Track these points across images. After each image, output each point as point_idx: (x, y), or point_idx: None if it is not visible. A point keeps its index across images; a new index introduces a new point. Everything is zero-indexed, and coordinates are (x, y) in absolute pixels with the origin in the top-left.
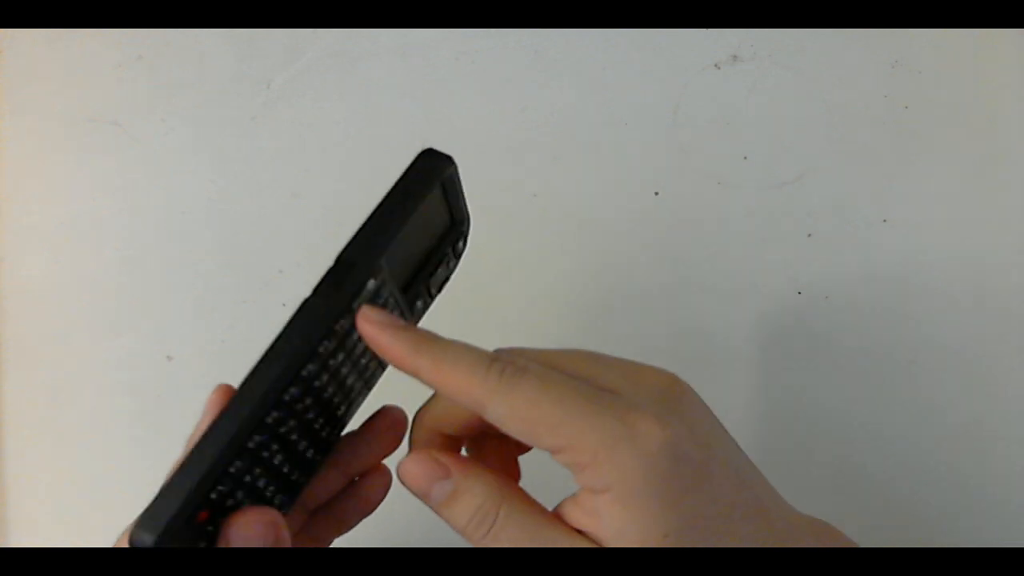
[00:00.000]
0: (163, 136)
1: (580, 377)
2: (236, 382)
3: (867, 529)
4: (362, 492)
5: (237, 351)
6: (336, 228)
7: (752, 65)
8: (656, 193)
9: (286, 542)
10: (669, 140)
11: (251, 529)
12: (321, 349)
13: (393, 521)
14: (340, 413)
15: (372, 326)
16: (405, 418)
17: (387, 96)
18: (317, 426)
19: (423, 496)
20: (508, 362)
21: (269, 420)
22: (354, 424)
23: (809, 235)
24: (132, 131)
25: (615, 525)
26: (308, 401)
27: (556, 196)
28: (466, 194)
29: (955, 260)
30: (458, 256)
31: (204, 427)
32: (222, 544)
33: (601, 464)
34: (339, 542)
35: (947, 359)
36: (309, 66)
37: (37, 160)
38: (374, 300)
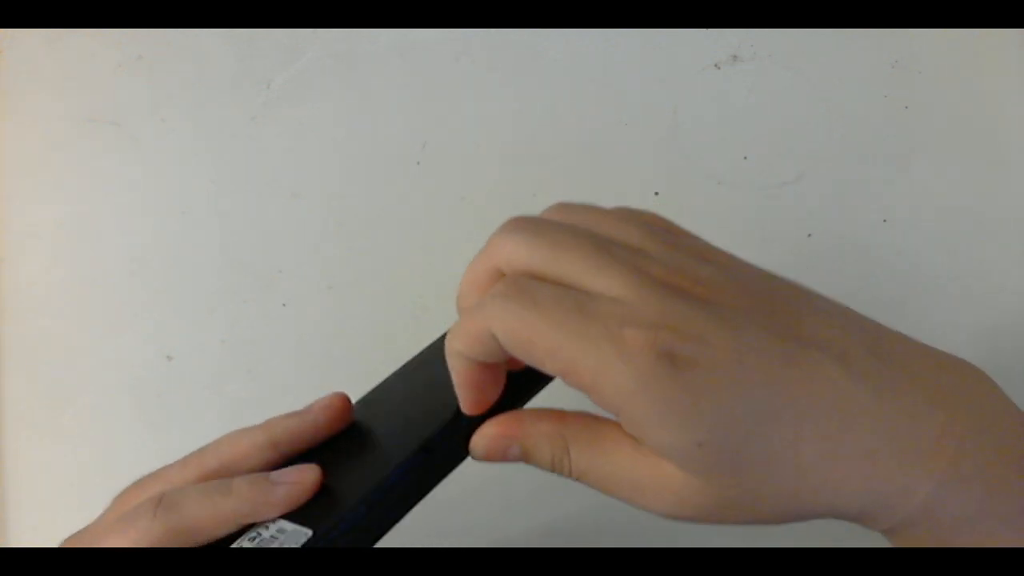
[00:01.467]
0: (163, 136)
1: (582, 275)
2: (236, 382)
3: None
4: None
5: (237, 351)
6: (336, 228)
7: (752, 65)
8: (656, 193)
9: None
10: (669, 140)
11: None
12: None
13: None
14: None
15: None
16: (346, 406)
17: (387, 96)
18: None
19: (505, 462)
20: (512, 282)
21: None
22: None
23: (809, 235)
24: (132, 131)
25: (647, 440)
26: None
27: (556, 196)
28: (467, 194)
29: (955, 260)
30: None
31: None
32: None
33: (602, 389)
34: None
35: None
36: (309, 66)
37: (37, 160)
38: None
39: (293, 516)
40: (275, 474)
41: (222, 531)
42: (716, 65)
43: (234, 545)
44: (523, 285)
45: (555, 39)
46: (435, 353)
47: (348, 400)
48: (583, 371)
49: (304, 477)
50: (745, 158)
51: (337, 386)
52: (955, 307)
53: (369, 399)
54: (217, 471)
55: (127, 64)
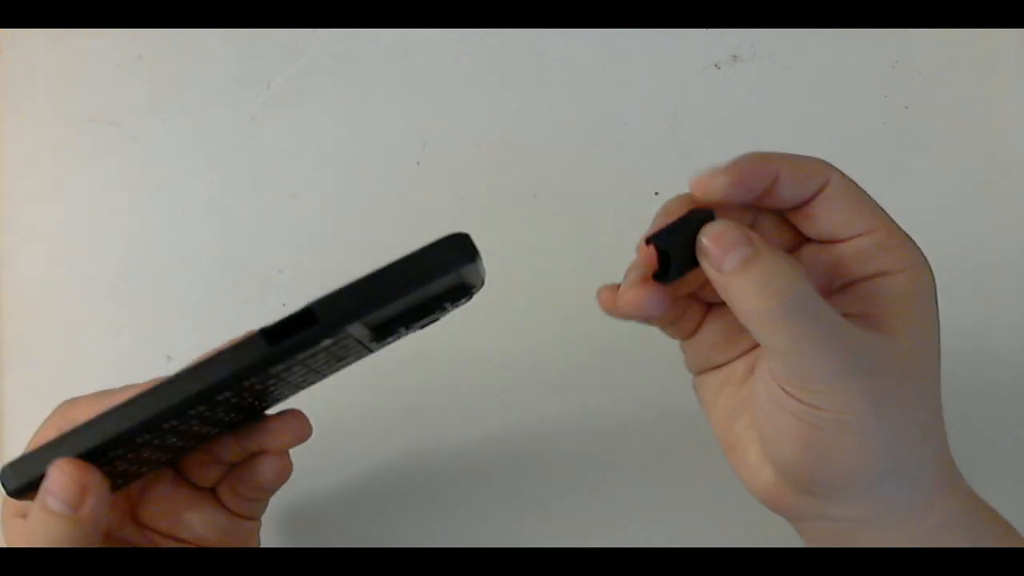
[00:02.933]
0: (163, 136)
1: None
2: None
3: None
4: (255, 466)
5: None
6: (336, 228)
7: (752, 65)
8: (656, 193)
9: (93, 506)
10: (669, 140)
11: (59, 484)
12: (246, 384)
13: (393, 521)
14: (239, 417)
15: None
16: (303, 426)
17: (387, 96)
18: (224, 420)
19: (716, 261)
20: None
21: (167, 425)
22: None
23: None
24: (132, 131)
25: (901, 308)
26: (208, 414)
27: (556, 196)
28: (467, 194)
29: (955, 260)
30: (455, 308)
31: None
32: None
33: (905, 257)
34: (340, 542)
35: (946, 359)
36: (309, 66)
37: (37, 160)
38: (323, 350)
39: None
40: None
41: None
42: (716, 65)
43: None
44: None
45: (555, 39)
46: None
47: None
48: (801, 159)
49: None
50: None
51: (337, 385)
52: (955, 307)
53: None
54: None
55: (127, 64)
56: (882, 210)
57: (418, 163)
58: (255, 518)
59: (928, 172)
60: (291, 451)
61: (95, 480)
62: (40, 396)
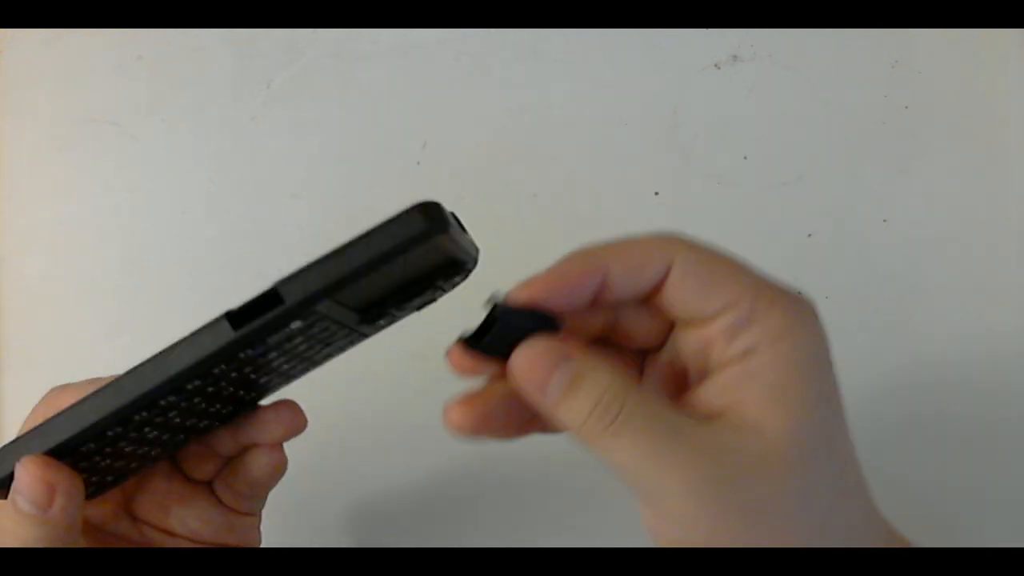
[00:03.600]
0: (163, 136)
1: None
2: None
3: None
4: (248, 460)
5: None
6: (336, 228)
7: (752, 65)
8: (656, 193)
9: (63, 506)
10: (669, 140)
11: (25, 483)
12: (216, 371)
13: (392, 520)
14: (224, 409)
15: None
16: (296, 417)
17: (387, 96)
18: (194, 416)
19: (537, 389)
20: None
21: (138, 417)
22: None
23: (809, 235)
24: (132, 131)
25: (768, 393)
26: (184, 405)
27: (556, 196)
28: (466, 194)
29: (955, 260)
30: (451, 288)
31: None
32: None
33: (773, 325)
34: (340, 541)
35: (945, 362)
36: (309, 66)
37: (37, 160)
38: (298, 333)
39: None
40: None
41: None
42: (716, 65)
43: None
44: None
45: (555, 39)
46: None
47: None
48: (638, 246)
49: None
50: (745, 158)
51: (337, 386)
52: (955, 307)
53: None
54: None
55: (127, 64)
56: (748, 272)
57: (418, 163)
58: (253, 514)
59: (928, 172)
60: (289, 450)
61: (64, 478)
62: (40, 396)
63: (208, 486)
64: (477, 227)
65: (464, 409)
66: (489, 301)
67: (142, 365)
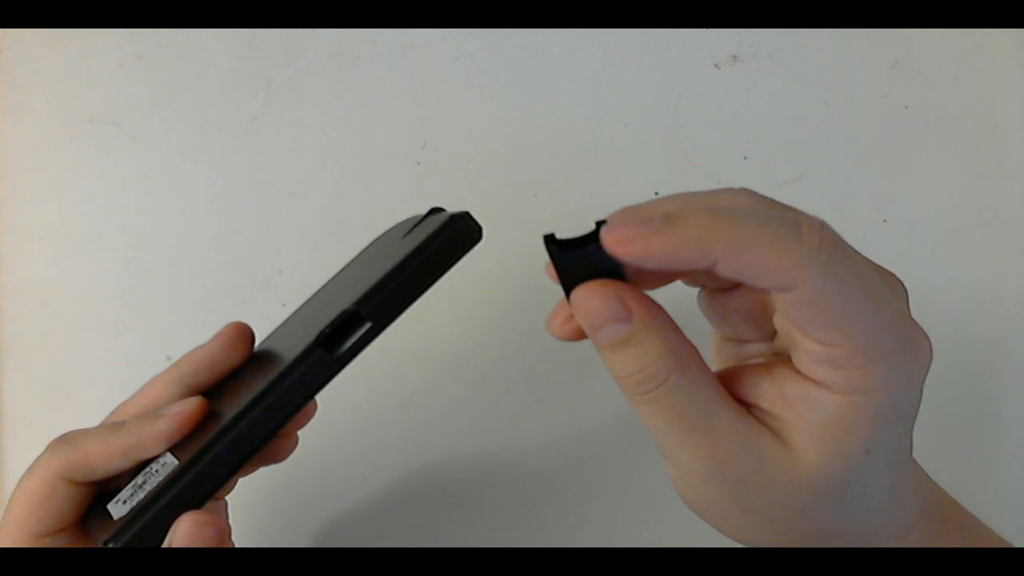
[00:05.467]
0: (163, 136)
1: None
2: None
3: None
4: (271, 447)
5: None
6: (336, 228)
7: (752, 65)
8: (656, 193)
9: (225, 536)
10: (669, 140)
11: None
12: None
13: (392, 520)
14: None
15: (631, 235)
16: (313, 406)
17: (387, 96)
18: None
19: (590, 329)
20: (819, 225)
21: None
22: None
23: None
24: (132, 131)
25: (820, 429)
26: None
27: (556, 196)
28: (467, 194)
29: (955, 260)
30: None
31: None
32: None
33: (781, 260)
34: (339, 541)
35: (946, 358)
36: (309, 66)
37: (37, 160)
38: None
39: (180, 448)
40: (164, 408)
41: (115, 466)
42: (716, 65)
43: (129, 484)
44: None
45: (555, 39)
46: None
47: (243, 328)
48: (764, 246)
49: (183, 408)
50: (745, 158)
51: (337, 385)
52: (955, 307)
53: (287, 324)
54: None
55: (127, 64)
56: (874, 314)
57: (418, 163)
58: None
59: (928, 172)
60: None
61: (212, 534)
62: (40, 396)
63: None
64: None
65: (559, 326)
66: (596, 227)
67: (257, 414)
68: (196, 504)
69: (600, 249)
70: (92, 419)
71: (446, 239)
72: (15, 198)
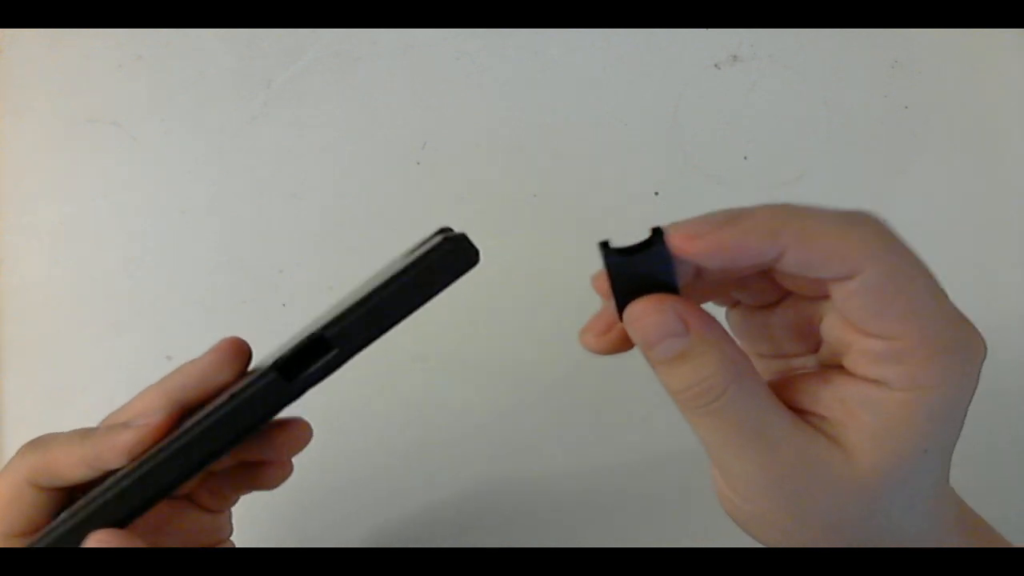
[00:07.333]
0: (163, 136)
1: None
2: None
3: None
4: (258, 473)
5: None
6: (336, 228)
7: (752, 65)
8: (656, 193)
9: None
10: (669, 140)
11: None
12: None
13: (392, 520)
14: None
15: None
16: (306, 435)
17: (387, 96)
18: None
19: (645, 346)
20: (877, 217)
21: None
22: None
23: None
24: (132, 131)
25: (879, 429)
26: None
27: (556, 196)
28: (467, 194)
29: (955, 260)
30: None
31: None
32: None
33: (849, 245)
34: (340, 542)
35: None
36: (309, 66)
37: (37, 160)
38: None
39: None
40: (131, 420)
41: (80, 474)
42: (716, 65)
43: (85, 496)
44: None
45: (555, 39)
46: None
47: (239, 343)
48: (831, 232)
49: (146, 422)
50: (745, 158)
51: (337, 386)
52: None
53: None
54: None
55: (127, 64)
56: (934, 305)
57: (418, 163)
58: (227, 510)
59: (928, 172)
60: None
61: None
62: (40, 396)
63: (186, 497)
64: (477, 227)
65: (595, 338)
66: (654, 233)
67: (198, 435)
68: (118, 522)
69: (659, 254)
70: (92, 419)
71: (428, 265)
72: (15, 198)
